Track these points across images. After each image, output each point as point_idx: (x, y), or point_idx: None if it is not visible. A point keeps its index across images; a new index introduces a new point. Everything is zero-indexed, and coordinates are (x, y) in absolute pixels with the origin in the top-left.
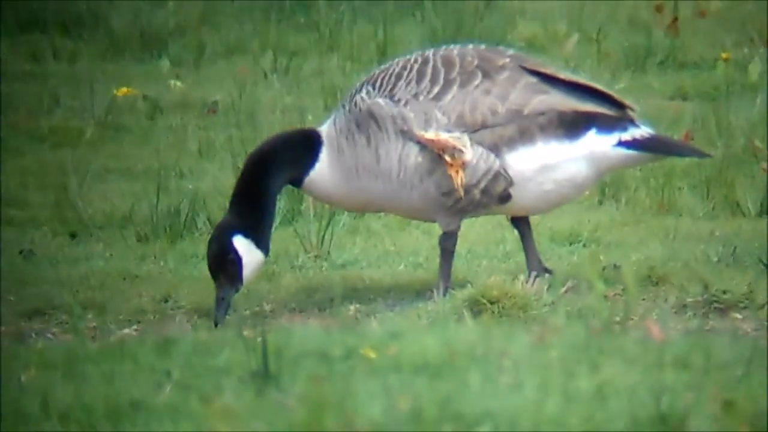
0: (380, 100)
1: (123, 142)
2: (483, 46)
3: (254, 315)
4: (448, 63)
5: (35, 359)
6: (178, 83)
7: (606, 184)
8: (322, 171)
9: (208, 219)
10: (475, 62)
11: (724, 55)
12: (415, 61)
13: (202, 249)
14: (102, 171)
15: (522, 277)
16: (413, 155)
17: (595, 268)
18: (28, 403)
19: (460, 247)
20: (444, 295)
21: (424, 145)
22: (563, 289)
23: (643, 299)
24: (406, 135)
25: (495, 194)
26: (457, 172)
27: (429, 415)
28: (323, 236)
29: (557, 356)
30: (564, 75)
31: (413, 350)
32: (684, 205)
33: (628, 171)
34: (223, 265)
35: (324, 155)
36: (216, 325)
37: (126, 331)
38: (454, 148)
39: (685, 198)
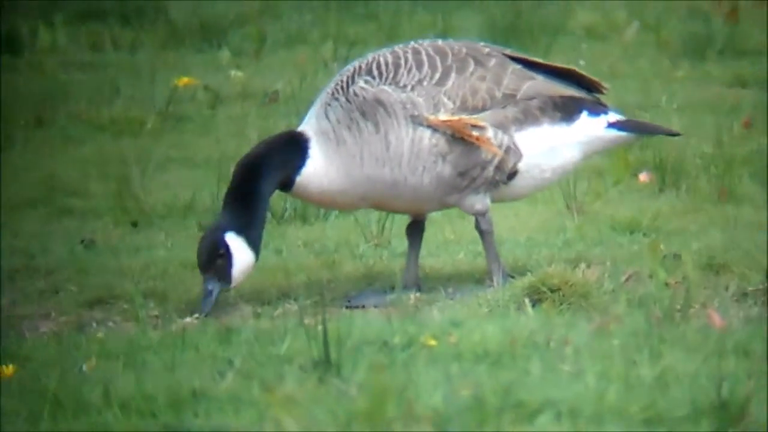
0: (387, 87)
1: (184, 131)
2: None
3: (315, 304)
4: (440, 51)
5: (96, 348)
6: (239, 73)
7: (666, 172)
8: (316, 167)
9: (269, 207)
10: (464, 50)
11: None
12: (406, 51)
13: (264, 237)
14: (163, 161)
15: (583, 266)
16: (426, 138)
17: (656, 256)
18: (89, 392)
19: (519, 235)
20: (502, 277)
21: (435, 129)
22: (624, 278)
23: (704, 288)
24: (416, 120)
25: (506, 170)
26: (488, 144)
27: (490, 404)
28: (383, 225)
29: (618, 344)
30: (541, 60)
31: (474, 339)
32: (744, 193)
33: (688, 159)
34: (214, 260)
35: (316, 151)
36: (203, 315)
37: (187, 320)
38: (474, 126)
39: (745, 186)
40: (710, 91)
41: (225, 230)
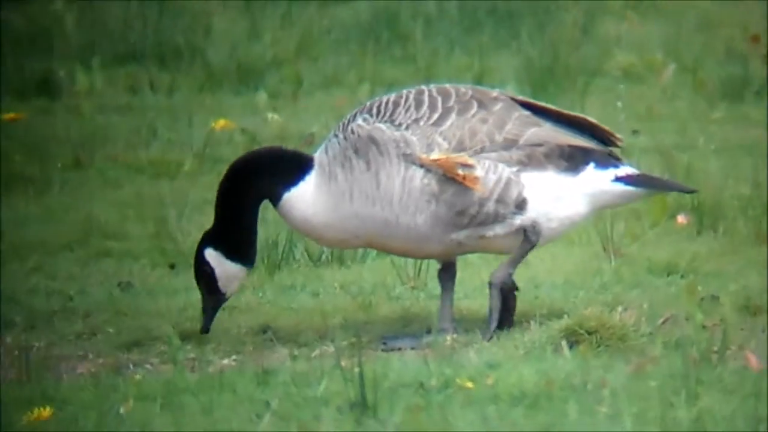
0: (381, 125)
1: (221, 174)
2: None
3: (351, 346)
4: (444, 93)
5: (134, 391)
6: (276, 116)
7: (704, 214)
8: (305, 194)
9: (306, 250)
10: (470, 93)
11: None
12: (409, 92)
13: (300, 280)
14: (200, 203)
15: (620, 308)
16: (418, 178)
17: (693, 298)
18: None
19: (556, 278)
20: (508, 279)
21: (428, 168)
22: (661, 320)
23: (741, 329)
24: (409, 158)
25: (510, 201)
26: (474, 183)
27: None
28: (420, 267)
29: (656, 386)
30: (553, 108)
31: (510, 381)
32: None
33: (726, 201)
34: (199, 277)
35: (311, 179)
36: (202, 332)
37: (225, 361)
38: (463, 164)
39: None
40: (748, 132)
41: (204, 245)
